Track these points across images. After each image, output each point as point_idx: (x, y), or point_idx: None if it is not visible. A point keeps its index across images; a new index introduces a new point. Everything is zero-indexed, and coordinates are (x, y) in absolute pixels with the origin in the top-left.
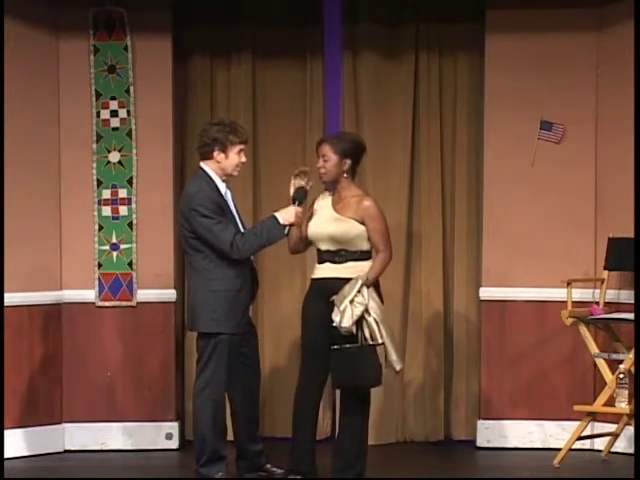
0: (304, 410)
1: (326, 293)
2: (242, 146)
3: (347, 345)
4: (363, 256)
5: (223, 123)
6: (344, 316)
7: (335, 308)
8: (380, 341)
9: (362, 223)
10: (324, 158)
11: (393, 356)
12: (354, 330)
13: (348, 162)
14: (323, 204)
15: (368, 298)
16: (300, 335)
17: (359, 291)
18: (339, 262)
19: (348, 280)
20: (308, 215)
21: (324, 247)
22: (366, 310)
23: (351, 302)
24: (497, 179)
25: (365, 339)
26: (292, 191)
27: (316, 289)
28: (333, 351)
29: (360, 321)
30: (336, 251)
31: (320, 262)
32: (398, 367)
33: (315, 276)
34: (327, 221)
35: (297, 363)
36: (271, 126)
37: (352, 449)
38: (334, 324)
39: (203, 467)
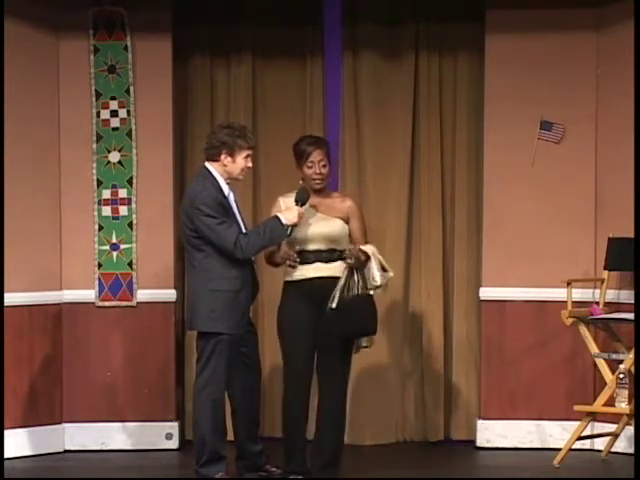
0: (296, 414)
1: (319, 293)
2: (250, 151)
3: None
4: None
5: (233, 127)
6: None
7: (373, 270)
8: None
9: (346, 222)
10: (322, 163)
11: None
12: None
13: (329, 167)
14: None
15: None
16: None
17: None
18: (331, 261)
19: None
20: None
21: (313, 247)
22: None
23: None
24: (497, 179)
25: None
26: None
27: (305, 290)
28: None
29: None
30: (326, 250)
31: (307, 262)
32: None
33: (301, 277)
34: (317, 221)
35: None
36: (271, 126)
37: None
38: (377, 283)
39: (203, 467)
